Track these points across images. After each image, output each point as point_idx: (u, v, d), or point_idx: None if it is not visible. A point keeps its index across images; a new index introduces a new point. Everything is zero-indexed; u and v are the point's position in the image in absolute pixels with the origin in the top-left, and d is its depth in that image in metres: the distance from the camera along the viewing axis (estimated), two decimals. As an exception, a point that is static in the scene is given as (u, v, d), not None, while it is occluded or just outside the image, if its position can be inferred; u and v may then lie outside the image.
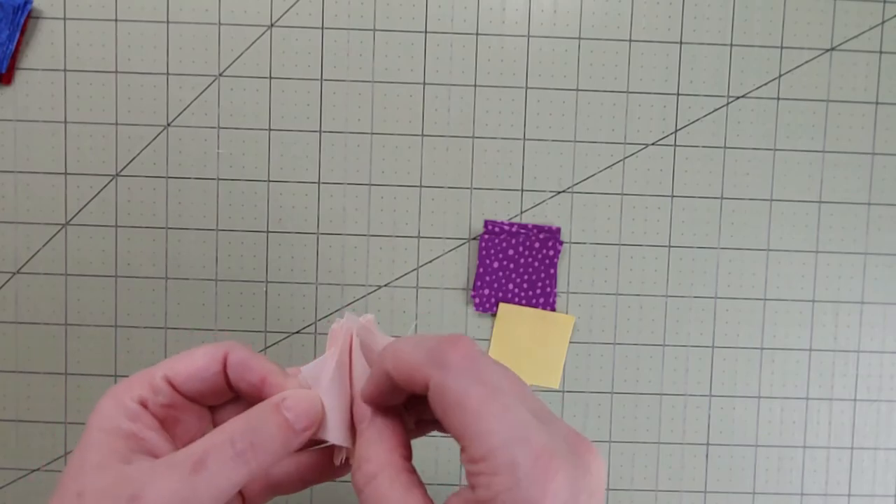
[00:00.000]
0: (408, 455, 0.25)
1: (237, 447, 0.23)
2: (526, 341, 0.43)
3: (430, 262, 0.43)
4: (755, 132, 0.44)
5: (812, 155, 0.44)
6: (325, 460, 0.28)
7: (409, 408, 0.27)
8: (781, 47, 0.43)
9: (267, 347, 0.43)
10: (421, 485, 0.24)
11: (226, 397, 0.27)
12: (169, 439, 0.25)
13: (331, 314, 0.43)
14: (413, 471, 0.25)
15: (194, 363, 0.26)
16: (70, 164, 0.43)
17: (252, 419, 0.24)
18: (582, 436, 0.23)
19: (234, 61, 0.42)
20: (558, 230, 0.43)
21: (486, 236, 0.43)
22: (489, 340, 0.43)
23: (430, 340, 0.23)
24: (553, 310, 0.43)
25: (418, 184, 0.43)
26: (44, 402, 0.43)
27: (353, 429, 0.26)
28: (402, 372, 0.24)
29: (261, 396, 0.26)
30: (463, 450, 0.22)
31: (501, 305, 0.43)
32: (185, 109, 0.43)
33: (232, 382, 0.26)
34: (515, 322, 0.43)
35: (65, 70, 0.42)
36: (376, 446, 0.25)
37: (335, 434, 0.26)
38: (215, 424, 0.27)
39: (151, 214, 0.43)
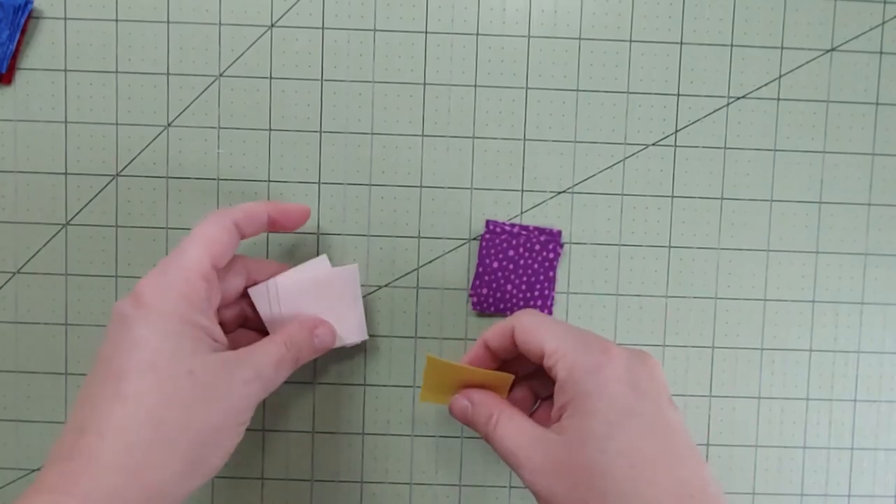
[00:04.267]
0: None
1: (295, 349, 0.35)
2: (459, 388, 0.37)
3: (430, 262, 0.43)
4: (755, 132, 0.44)
5: (812, 155, 0.44)
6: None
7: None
8: (781, 48, 0.43)
9: (267, 347, 0.43)
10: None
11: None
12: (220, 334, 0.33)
13: (331, 314, 0.43)
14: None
15: (211, 247, 0.33)
16: (70, 164, 0.43)
17: (297, 337, 0.36)
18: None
19: (234, 61, 0.42)
20: (559, 233, 0.43)
21: (487, 236, 0.43)
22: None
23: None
24: (550, 313, 0.43)
25: (418, 184, 0.43)
26: (44, 402, 0.43)
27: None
28: (495, 333, 0.35)
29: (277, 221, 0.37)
30: (544, 358, 0.32)
31: (429, 357, 0.36)
32: (185, 109, 0.43)
33: (245, 234, 0.35)
34: (443, 374, 0.36)
35: (65, 70, 0.42)
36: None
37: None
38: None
39: (151, 214, 0.43)
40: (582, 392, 0.29)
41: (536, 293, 0.43)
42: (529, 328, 0.33)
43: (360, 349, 0.43)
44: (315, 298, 0.39)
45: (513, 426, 0.32)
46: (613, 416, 0.29)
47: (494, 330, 0.35)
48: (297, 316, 0.38)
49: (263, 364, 0.32)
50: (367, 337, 0.41)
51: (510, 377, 0.36)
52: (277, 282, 0.38)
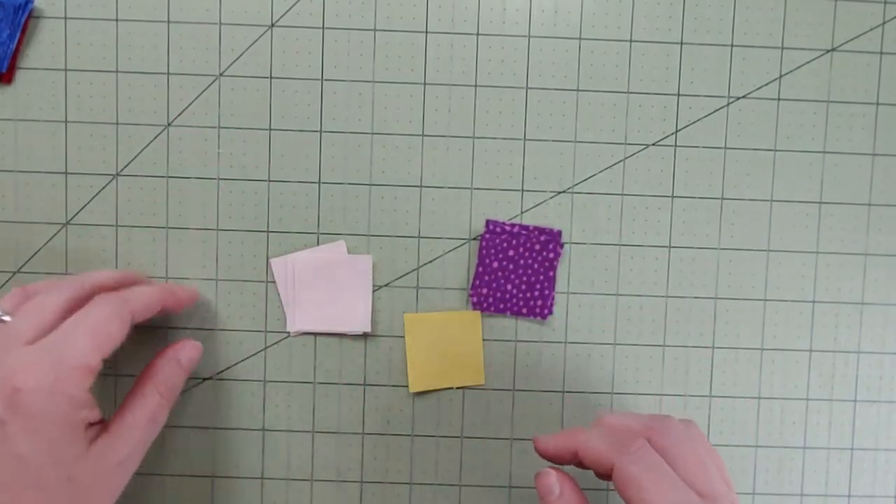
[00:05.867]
0: None
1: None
2: (440, 345, 0.43)
3: (430, 262, 0.43)
4: (755, 133, 0.44)
5: (812, 155, 0.44)
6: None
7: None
8: (782, 48, 0.43)
9: (267, 347, 0.43)
10: None
11: None
12: None
13: (331, 314, 0.43)
14: None
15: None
16: (70, 163, 0.43)
17: (168, 374, 0.36)
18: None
19: (234, 61, 0.42)
20: (559, 233, 0.43)
21: (488, 236, 0.43)
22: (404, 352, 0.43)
23: (616, 433, 0.33)
24: (550, 312, 0.43)
25: (418, 184, 0.43)
26: (44, 401, 0.43)
27: None
28: (590, 458, 0.32)
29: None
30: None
31: (406, 316, 0.43)
32: (185, 109, 0.43)
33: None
34: (422, 329, 0.43)
35: (65, 69, 0.42)
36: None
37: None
38: None
39: (151, 214, 0.43)
40: None
41: (536, 293, 0.43)
42: (633, 483, 0.30)
43: (360, 349, 0.43)
44: (328, 280, 0.42)
45: None
46: None
47: (591, 451, 0.33)
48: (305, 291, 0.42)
49: (137, 433, 0.32)
50: (369, 329, 0.42)
51: (478, 314, 0.42)
52: (295, 258, 0.42)
